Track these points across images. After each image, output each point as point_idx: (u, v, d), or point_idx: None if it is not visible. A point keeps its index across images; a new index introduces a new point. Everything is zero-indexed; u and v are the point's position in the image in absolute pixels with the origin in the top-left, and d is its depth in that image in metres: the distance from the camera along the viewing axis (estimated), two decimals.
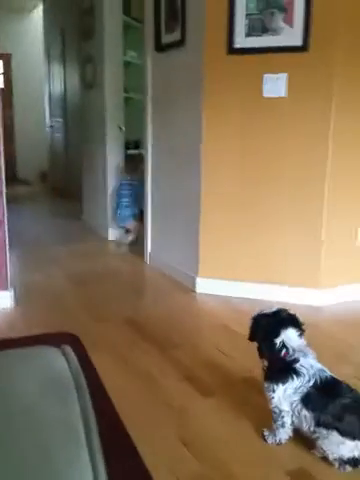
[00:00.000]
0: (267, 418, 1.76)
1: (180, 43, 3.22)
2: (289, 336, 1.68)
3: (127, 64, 4.93)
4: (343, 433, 1.55)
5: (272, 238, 3.06)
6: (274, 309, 1.74)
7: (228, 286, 3.17)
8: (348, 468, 1.57)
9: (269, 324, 1.71)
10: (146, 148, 3.81)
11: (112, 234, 4.69)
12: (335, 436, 1.55)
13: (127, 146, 4.90)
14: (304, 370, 1.64)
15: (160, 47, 3.47)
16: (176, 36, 3.25)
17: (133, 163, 4.53)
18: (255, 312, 1.77)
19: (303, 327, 1.72)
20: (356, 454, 1.56)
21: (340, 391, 1.62)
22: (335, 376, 1.67)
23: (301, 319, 1.73)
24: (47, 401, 0.50)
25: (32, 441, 0.44)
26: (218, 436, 1.78)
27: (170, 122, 3.47)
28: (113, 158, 4.60)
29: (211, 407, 1.96)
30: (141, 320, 2.84)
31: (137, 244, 4.35)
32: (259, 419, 1.84)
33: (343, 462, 1.57)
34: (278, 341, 1.67)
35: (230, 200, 3.10)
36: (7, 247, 2.88)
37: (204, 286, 3.23)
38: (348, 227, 3.05)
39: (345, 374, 1.73)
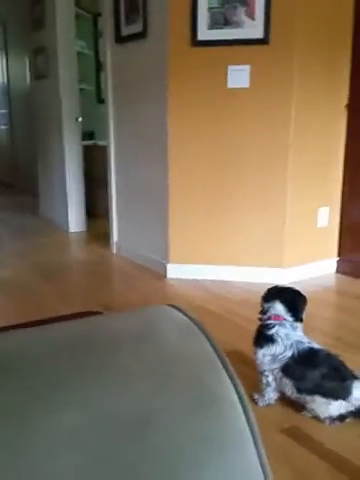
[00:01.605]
0: (254, 385, 1.91)
1: (141, 35, 3.28)
2: (275, 306, 1.84)
3: (77, 54, 4.91)
4: (326, 396, 1.72)
5: (238, 222, 3.22)
6: (295, 288, 1.93)
7: (198, 270, 3.31)
8: (337, 423, 1.75)
9: (268, 293, 1.90)
10: (108, 138, 3.85)
11: (73, 225, 4.70)
12: (320, 399, 1.72)
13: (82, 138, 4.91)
14: (278, 338, 1.79)
15: (120, 39, 3.52)
16: (137, 28, 3.31)
17: None
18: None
19: (298, 308, 1.87)
20: (343, 411, 1.73)
21: (318, 361, 1.76)
22: (314, 345, 1.81)
23: (305, 309, 1.90)
24: (190, 343, 0.61)
25: (189, 371, 0.56)
26: None
27: (134, 112, 3.53)
28: (71, 149, 4.60)
29: None
30: (117, 307, 2.92)
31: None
32: (247, 386, 1.98)
33: (333, 419, 1.75)
34: (265, 306, 1.86)
35: (197, 186, 3.23)
36: None
37: (175, 271, 3.35)
38: (309, 209, 3.25)
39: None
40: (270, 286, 1.94)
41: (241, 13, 2.89)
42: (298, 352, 1.77)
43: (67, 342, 0.61)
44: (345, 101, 3.21)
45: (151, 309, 0.72)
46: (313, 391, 1.73)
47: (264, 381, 1.84)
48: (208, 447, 0.52)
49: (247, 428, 0.55)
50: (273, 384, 1.84)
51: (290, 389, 1.79)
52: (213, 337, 0.64)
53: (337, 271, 3.44)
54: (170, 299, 3.08)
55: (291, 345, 1.78)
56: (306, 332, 1.93)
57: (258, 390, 1.89)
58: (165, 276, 3.38)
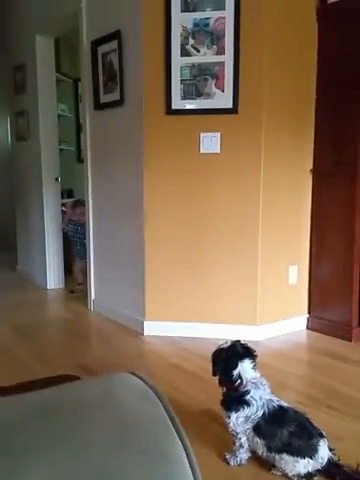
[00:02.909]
0: (226, 444, 1.94)
1: (119, 103, 3.47)
2: (245, 368, 1.89)
3: (58, 117, 5.11)
4: (293, 454, 1.77)
5: (213, 281, 3.32)
6: (229, 343, 1.95)
7: (174, 327, 3.37)
8: None
9: (227, 357, 1.91)
10: (86, 197, 3.98)
11: (51, 282, 4.74)
12: (288, 457, 1.77)
13: (61, 195, 5.04)
14: (253, 401, 1.84)
15: (99, 106, 3.71)
16: (115, 96, 3.51)
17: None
18: (214, 348, 1.97)
19: (256, 355, 1.93)
20: (310, 469, 1.78)
21: (287, 419, 1.80)
22: (283, 404, 1.86)
23: (254, 350, 1.95)
24: (146, 408, 0.70)
25: (143, 435, 0.65)
26: None
27: (111, 174, 3.68)
28: (50, 208, 4.71)
29: None
30: (94, 366, 2.94)
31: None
32: (219, 446, 2.02)
33: (301, 477, 1.79)
34: (235, 373, 1.88)
35: (173, 246, 3.34)
36: None
37: (151, 329, 3.40)
38: (280, 267, 3.38)
39: (286, 399, 1.93)
40: (216, 350, 1.95)
41: (211, 85, 3.11)
42: (269, 411, 1.82)
43: (35, 410, 0.69)
44: (310, 166, 3.41)
45: (113, 377, 0.81)
46: (282, 449, 1.77)
47: (237, 443, 1.88)
48: None
49: None
50: (246, 445, 1.88)
51: (261, 448, 1.83)
52: (167, 402, 0.73)
53: (308, 328, 3.54)
54: (146, 357, 3.12)
55: (263, 405, 1.83)
56: (277, 389, 2.00)
57: (230, 450, 1.93)
58: (142, 333, 3.43)
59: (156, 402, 0.72)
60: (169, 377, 2.78)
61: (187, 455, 0.64)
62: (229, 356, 1.91)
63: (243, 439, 1.87)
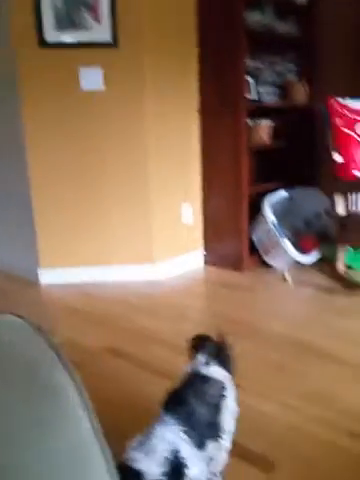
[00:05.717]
0: (132, 374, 1.98)
1: None
2: None
3: None
4: None
5: (106, 222, 3.27)
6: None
7: (71, 273, 3.30)
8: None
9: None
10: None
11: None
12: None
13: None
14: None
15: None
16: None
17: None
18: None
19: None
20: None
21: None
22: None
23: None
24: (29, 346, 0.71)
25: (26, 369, 0.66)
26: None
27: None
28: None
29: None
30: None
31: None
32: (123, 379, 2.05)
33: None
34: None
35: (61, 190, 3.20)
36: None
37: (47, 277, 3.31)
38: (173, 205, 3.40)
39: (187, 330, 1.98)
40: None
41: (86, 16, 2.92)
42: None
43: None
44: (196, 105, 3.38)
45: None
46: None
47: None
48: (40, 429, 0.60)
49: (81, 408, 0.65)
50: None
51: None
52: (52, 340, 0.75)
53: (205, 263, 3.64)
54: (44, 304, 3.05)
55: None
56: (179, 321, 2.03)
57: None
58: (37, 282, 3.31)
59: (41, 340, 0.74)
60: (70, 321, 2.74)
61: (73, 381, 0.67)
62: None
63: None
